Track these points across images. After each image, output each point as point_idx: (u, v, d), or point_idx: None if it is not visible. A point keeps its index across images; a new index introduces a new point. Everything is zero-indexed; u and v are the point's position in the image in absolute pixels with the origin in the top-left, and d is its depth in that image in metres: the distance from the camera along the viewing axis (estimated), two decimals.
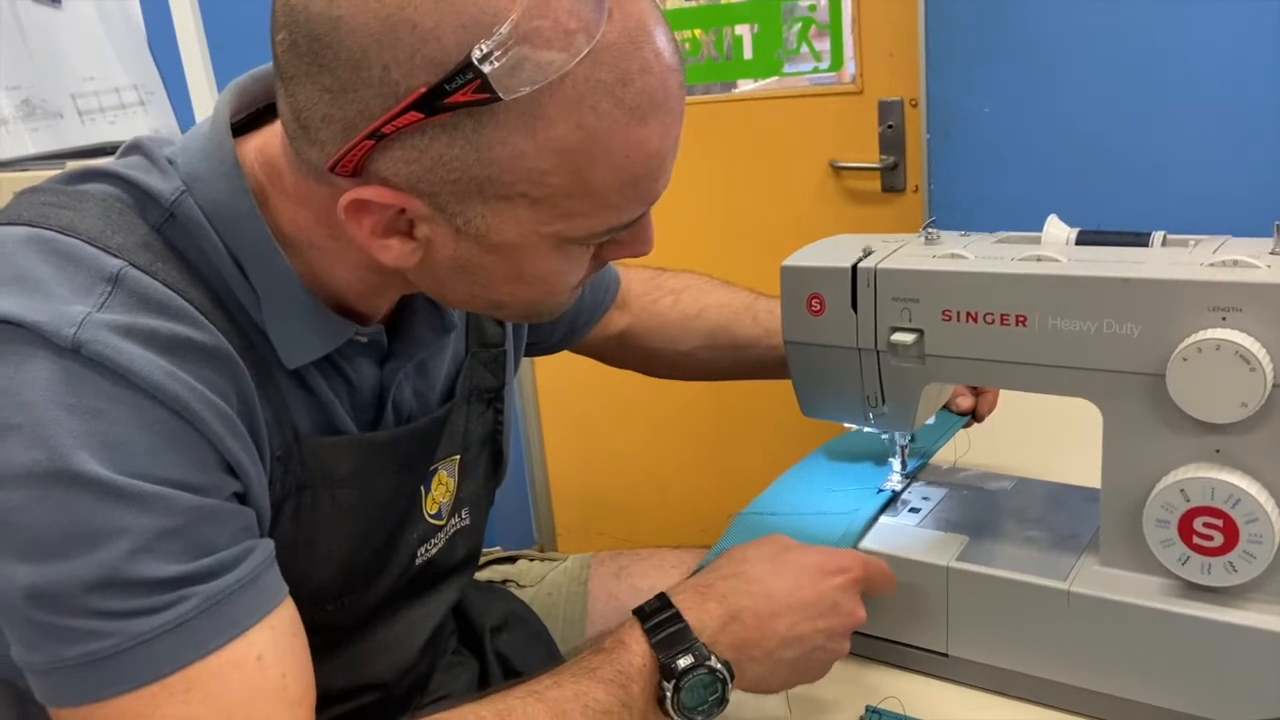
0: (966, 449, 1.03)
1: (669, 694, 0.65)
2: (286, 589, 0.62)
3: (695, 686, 0.65)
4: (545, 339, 1.01)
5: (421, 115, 0.55)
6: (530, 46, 0.53)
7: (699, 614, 0.68)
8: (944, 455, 1.00)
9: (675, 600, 0.69)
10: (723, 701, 0.66)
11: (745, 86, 2.06)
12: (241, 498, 0.62)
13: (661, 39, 0.58)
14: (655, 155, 0.60)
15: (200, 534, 0.58)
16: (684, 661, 0.65)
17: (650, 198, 0.63)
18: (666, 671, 0.65)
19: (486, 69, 0.53)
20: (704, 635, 0.67)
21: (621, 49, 0.56)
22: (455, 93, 0.54)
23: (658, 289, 1.09)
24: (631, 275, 1.09)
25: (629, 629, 0.67)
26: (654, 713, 0.66)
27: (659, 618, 0.67)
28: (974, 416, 1.02)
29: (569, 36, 0.54)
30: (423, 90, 0.54)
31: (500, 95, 0.54)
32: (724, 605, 0.69)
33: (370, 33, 0.54)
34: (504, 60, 0.53)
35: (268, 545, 0.62)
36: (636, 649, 0.66)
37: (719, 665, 0.66)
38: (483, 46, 0.53)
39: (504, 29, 0.53)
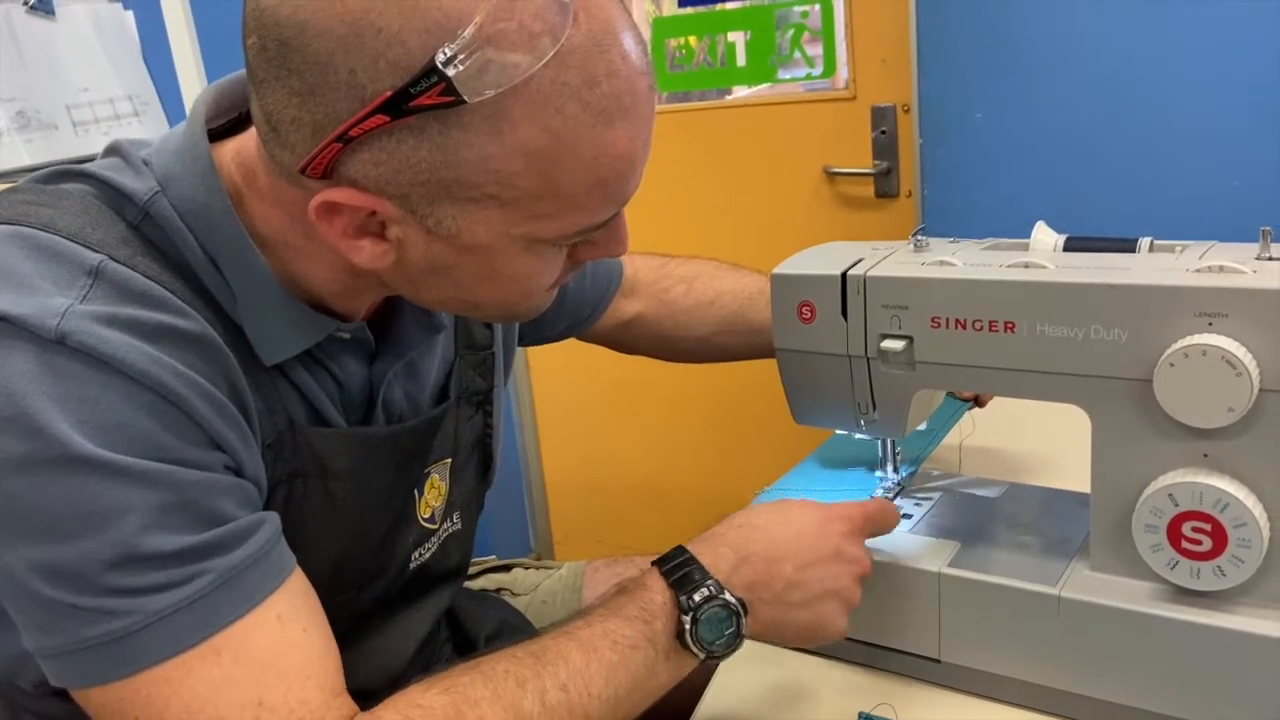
0: (972, 430, 1.05)
1: (688, 627, 0.67)
2: (294, 559, 0.64)
3: (711, 620, 0.68)
4: (548, 330, 1.02)
5: (388, 118, 0.55)
6: (495, 49, 0.54)
7: (712, 558, 0.71)
8: (950, 438, 1.03)
9: (690, 548, 0.72)
10: (738, 636, 0.68)
11: (739, 93, 2.07)
12: (238, 475, 0.63)
13: (629, 42, 0.59)
14: (624, 157, 0.60)
15: (207, 505, 0.59)
16: (700, 595, 0.68)
17: (620, 199, 0.63)
18: (684, 606, 0.68)
19: (451, 72, 0.53)
20: (718, 575, 0.70)
21: (587, 52, 0.56)
22: (420, 96, 0.54)
23: (667, 277, 1.09)
24: (639, 263, 1.09)
25: (649, 574, 0.70)
26: (675, 648, 0.68)
27: (675, 561, 0.70)
28: (976, 402, 1.05)
29: (533, 39, 0.54)
30: (388, 94, 0.54)
31: (465, 98, 0.54)
32: (735, 550, 0.72)
33: (336, 37, 0.54)
34: (468, 63, 0.53)
35: (275, 518, 0.64)
36: (657, 588, 0.69)
37: (733, 599, 0.68)
38: (447, 50, 0.53)
39: (468, 32, 0.53)
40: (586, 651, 0.64)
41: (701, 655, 0.68)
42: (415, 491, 0.80)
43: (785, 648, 0.80)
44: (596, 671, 0.64)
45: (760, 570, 0.71)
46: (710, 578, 0.69)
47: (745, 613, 0.68)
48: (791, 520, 0.74)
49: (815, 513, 0.75)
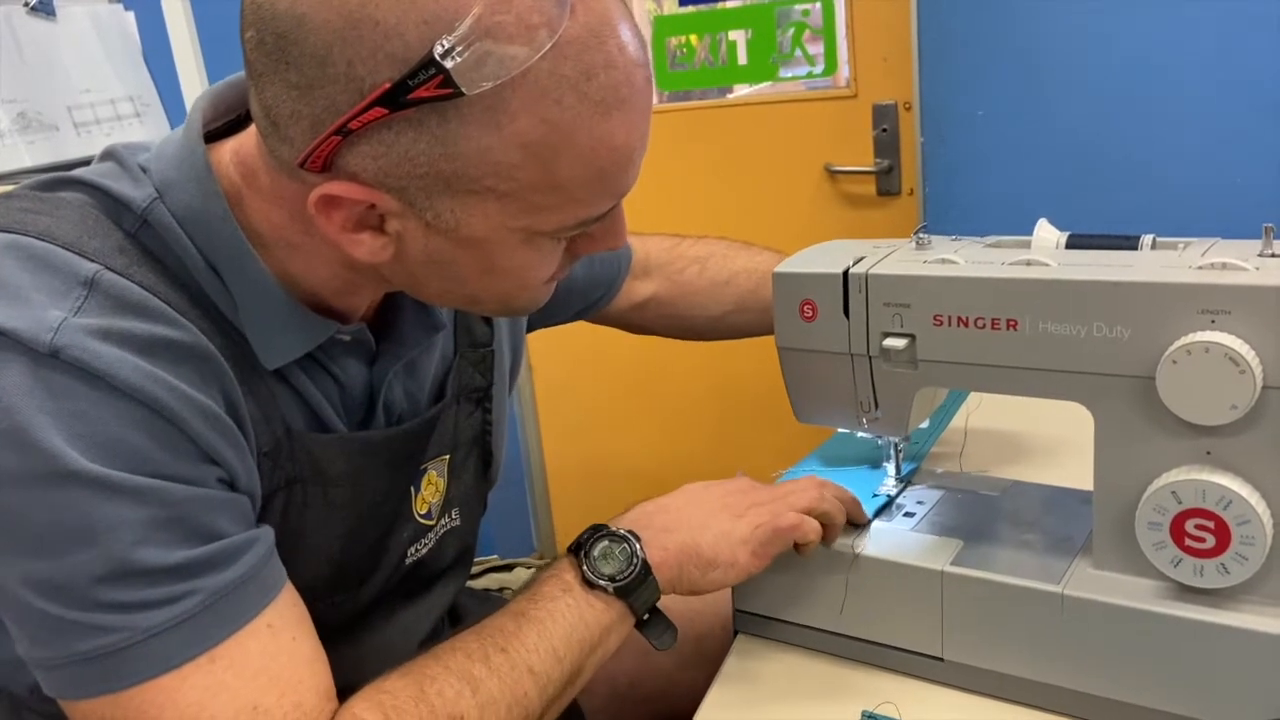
0: (978, 405, 1.08)
1: (584, 565, 0.73)
2: (285, 574, 0.65)
3: (606, 554, 0.74)
4: (560, 314, 1.02)
5: (386, 111, 0.55)
6: (492, 41, 0.54)
7: (607, 523, 0.77)
8: (956, 420, 1.04)
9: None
10: (648, 569, 0.73)
11: (740, 91, 2.07)
12: (232, 487, 0.63)
13: (626, 34, 0.59)
14: (622, 149, 0.60)
15: (199, 521, 0.59)
16: (586, 536, 0.75)
17: (618, 191, 0.63)
18: (574, 548, 0.75)
19: (449, 64, 0.53)
20: (609, 524, 0.76)
21: (584, 43, 0.56)
22: (418, 88, 0.54)
23: (680, 258, 1.10)
24: (650, 244, 1.09)
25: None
26: (587, 590, 0.73)
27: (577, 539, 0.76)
28: None
29: (531, 31, 0.54)
30: (386, 86, 0.54)
31: (463, 90, 0.54)
32: (627, 510, 0.79)
33: (334, 30, 0.54)
34: (466, 55, 0.53)
35: (269, 535, 0.64)
36: (562, 558, 0.76)
37: (619, 530, 0.75)
38: (444, 42, 0.53)
39: (465, 24, 0.53)
40: (516, 617, 0.70)
41: (610, 588, 0.72)
42: (411, 488, 0.80)
43: (736, 577, 0.77)
44: (528, 628, 0.69)
45: (649, 509, 0.78)
46: (602, 525, 0.75)
47: (638, 540, 0.73)
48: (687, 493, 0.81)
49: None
